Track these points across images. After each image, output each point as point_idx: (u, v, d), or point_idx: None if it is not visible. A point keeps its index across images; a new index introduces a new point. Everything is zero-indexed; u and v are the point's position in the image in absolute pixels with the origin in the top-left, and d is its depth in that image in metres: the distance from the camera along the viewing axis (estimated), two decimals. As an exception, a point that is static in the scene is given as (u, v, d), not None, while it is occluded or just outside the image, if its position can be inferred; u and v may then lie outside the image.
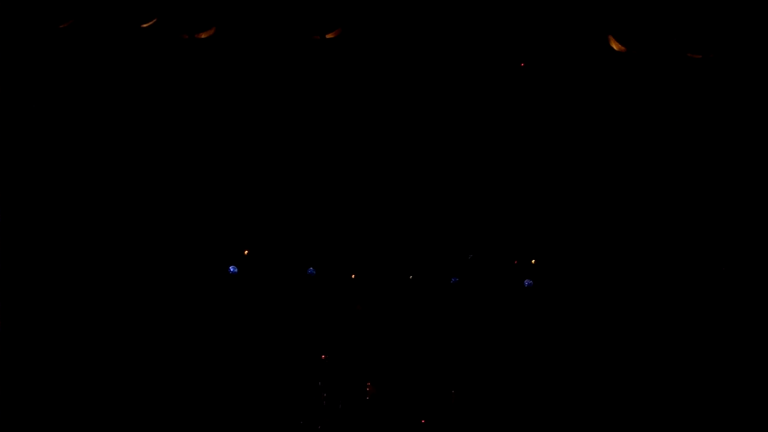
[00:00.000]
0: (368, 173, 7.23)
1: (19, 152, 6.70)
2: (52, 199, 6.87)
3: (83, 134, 6.91)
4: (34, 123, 6.74)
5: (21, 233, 6.72)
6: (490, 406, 7.07)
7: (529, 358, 7.11)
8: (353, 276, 7.39)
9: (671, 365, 6.90)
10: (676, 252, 6.97)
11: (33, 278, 6.78)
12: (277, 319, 7.26)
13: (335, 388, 7.07)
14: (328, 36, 6.29)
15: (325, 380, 7.08)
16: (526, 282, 7.41)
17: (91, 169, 6.94)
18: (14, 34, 6.37)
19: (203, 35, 6.34)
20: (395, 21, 6.33)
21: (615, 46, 6.19)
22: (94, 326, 6.90)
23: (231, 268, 7.32)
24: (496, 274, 7.26)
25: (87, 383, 6.80)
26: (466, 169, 7.19)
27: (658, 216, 6.94)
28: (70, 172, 6.90)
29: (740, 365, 6.75)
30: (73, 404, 6.75)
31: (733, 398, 6.70)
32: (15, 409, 6.53)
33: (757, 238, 6.76)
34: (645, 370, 6.90)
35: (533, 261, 7.24)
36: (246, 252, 7.46)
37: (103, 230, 7.00)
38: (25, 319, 6.70)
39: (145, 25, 6.31)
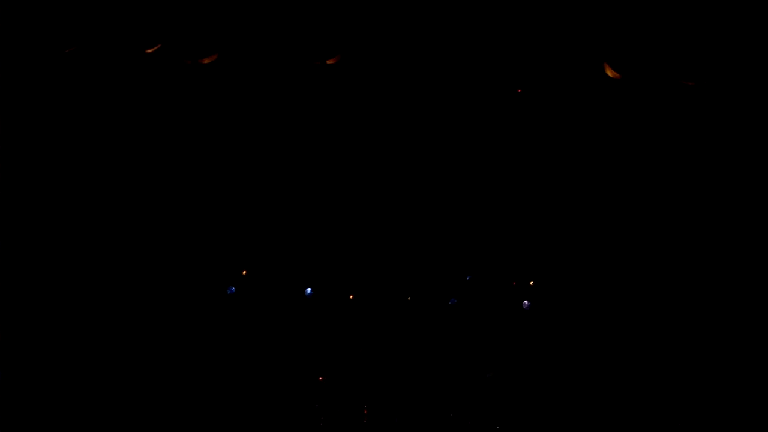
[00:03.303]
0: (366, 195, 7.27)
1: (26, 175, 6.74)
2: (55, 224, 6.90)
3: (88, 158, 6.95)
4: (39, 147, 6.79)
5: (24, 250, 6.75)
6: (488, 428, 7.08)
7: (528, 379, 7.13)
8: (351, 297, 7.42)
9: (672, 386, 6.92)
10: (671, 272, 7.02)
11: (29, 294, 6.79)
12: (274, 340, 7.27)
13: (333, 410, 7.07)
14: (329, 62, 6.38)
15: (322, 402, 7.09)
16: (525, 303, 7.45)
17: (95, 191, 6.98)
18: (21, 59, 6.42)
19: (206, 61, 6.41)
20: (393, 47, 6.41)
21: (610, 73, 6.27)
22: (90, 343, 6.91)
23: (230, 289, 7.35)
24: (494, 296, 7.29)
25: (81, 395, 6.81)
26: (464, 192, 7.24)
27: (653, 239, 6.99)
28: (74, 195, 6.94)
29: (743, 376, 6.76)
30: (67, 409, 6.75)
31: (736, 405, 6.72)
32: (15, 409, 6.53)
33: (750, 265, 6.82)
34: (646, 392, 6.93)
35: (531, 282, 7.28)
36: (244, 272, 7.49)
37: (105, 251, 7.03)
38: (22, 329, 6.71)
39: (149, 51, 6.37)
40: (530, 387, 7.11)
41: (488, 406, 7.12)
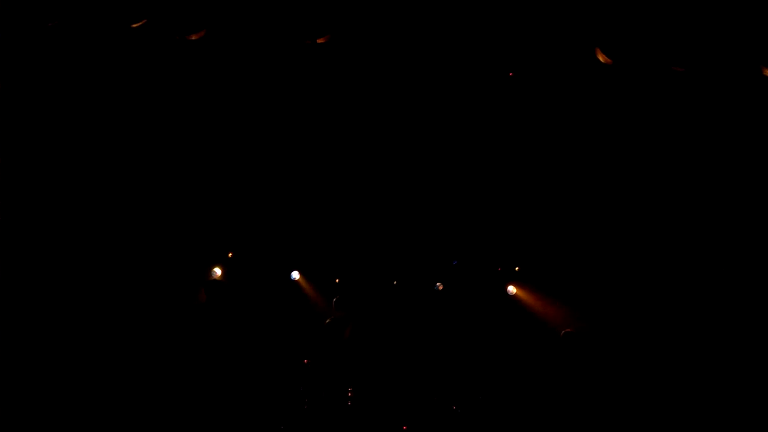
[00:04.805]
0: (354, 179, 7.25)
1: (7, 150, 6.64)
2: (33, 199, 6.82)
3: (71, 134, 6.86)
4: (22, 121, 6.69)
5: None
6: (472, 411, 7.12)
7: (512, 363, 7.17)
8: (337, 280, 7.41)
9: (662, 375, 6.97)
10: (657, 263, 7.07)
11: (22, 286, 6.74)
12: (259, 323, 7.26)
13: (317, 392, 7.06)
14: (319, 41, 6.31)
15: (307, 384, 7.07)
16: (509, 288, 7.47)
17: (77, 168, 6.90)
18: (5, 33, 6.31)
19: (194, 37, 6.31)
20: (383, 27, 6.36)
21: (602, 58, 6.28)
22: (78, 333, 6.89)
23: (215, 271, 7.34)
24: (479, 281, 7.32)
25: (72, 387, 6.78)
26: (452, 178, 7.24)
27: (642, 225, 7.04)
28: (54, 170, 6.86)
29: (741, 373, 6.81)
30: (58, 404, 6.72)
31: (735, 402, 6.77)
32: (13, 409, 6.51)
33: (747, 252, 6.88)
34: (633, 378, 6.99)
35: (517, 268, 7.31)
36: (230, 254, 7.46)
37: (86, 233, 6.98)
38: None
39: (135, 26, 6.25)
40: (514, 371, 7.15)
41: (473, 391, 7.15)
